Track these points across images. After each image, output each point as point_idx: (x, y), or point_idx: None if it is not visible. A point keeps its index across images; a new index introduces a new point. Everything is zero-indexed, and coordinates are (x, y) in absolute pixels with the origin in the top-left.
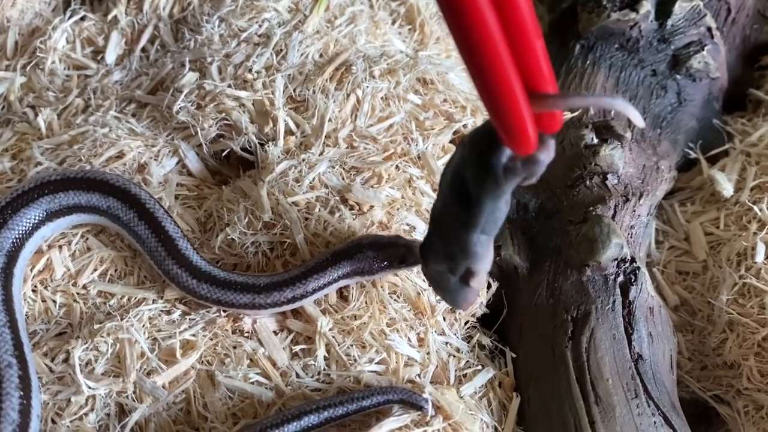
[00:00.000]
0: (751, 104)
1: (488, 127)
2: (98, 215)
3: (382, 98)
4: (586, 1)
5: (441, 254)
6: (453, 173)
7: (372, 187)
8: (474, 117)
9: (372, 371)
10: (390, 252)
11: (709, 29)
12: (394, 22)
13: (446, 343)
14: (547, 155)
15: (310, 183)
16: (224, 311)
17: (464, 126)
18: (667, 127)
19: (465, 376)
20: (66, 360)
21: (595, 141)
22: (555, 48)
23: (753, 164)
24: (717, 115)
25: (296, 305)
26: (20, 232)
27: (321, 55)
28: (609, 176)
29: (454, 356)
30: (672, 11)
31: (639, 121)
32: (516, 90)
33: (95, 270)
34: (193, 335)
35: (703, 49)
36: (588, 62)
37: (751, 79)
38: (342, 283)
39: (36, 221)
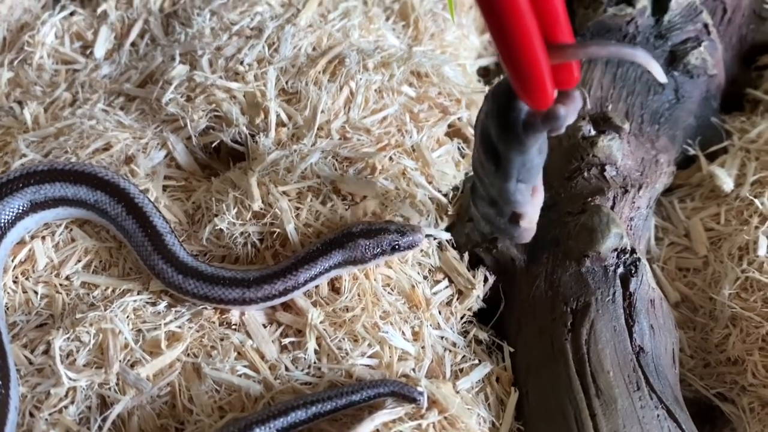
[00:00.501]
0: (749, 104)
1: (506, 83)
2: (85, 209)
3: (375, 90)
4: None
5: (486, 200)
6: (481, 129)
7: (365, 177)
8: (469, 110)
9: (364, 365)
10: (381, 239)
11: (706, 26)
12: (388, 19)
13: (442, 337)
14: (567, 109)
15: (302, 173)
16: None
17: (459, 119)
18: (665, 123)
19: (461, 370)
20: (46, 351)
21: (593, 132)
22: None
23: (752, 160)
24: (715, 113)
25: (288, 298)
26: (1, 221)
27: (314, 49)
28: (607, 167)
29: (450, 351)
30: (668, 7)
31: (661, 75)
32: (534, 40)
33: (79, 261)
34: (179, 327)
35: (700, 45)
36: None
37: (749, 79)
38: (334, 273)
39: (19, 212)
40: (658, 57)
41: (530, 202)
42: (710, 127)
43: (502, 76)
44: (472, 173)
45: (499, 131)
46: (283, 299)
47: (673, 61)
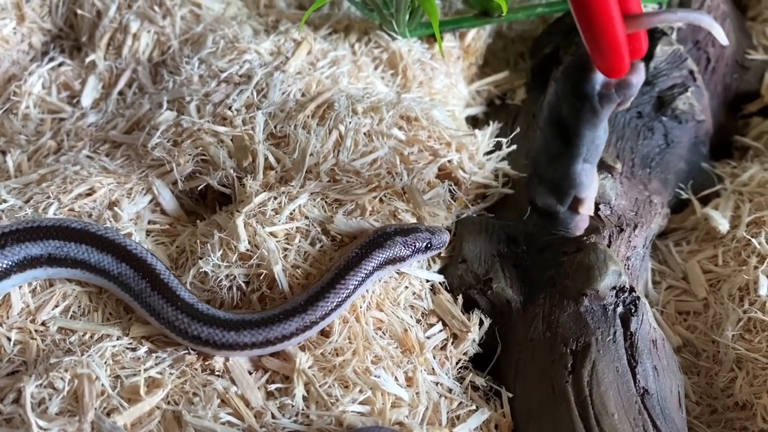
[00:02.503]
0: (738, 151)
1: (579, 60)
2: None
3: (365, 134)
4: (567, 45)
5: (548, 188)
6: (549, 109)
7: (355, 218)
8: (459, 153)
9: (356, 412)
10: (416, 236)
11: (692, 72)
12: (376, 67)
13: (437, 383)
14: (638, 78)
15: (290, 214)
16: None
17: (449, 161)
18: (656, 167)
19: (458, 417)
20: (17, 400)
21: None
22: (537, 94)
23: (746, 201)
24: (705, 158)
25: (336, 315)
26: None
27: (303, 94)
28: (601, 206)
29: (446, 397)
30: (654, 54)
31: (723, 38)
32: (614, 10)
33: (57, 306)
34: (160, 373)
35: (687, 91)
36: None
37: (735, 127)
38: (377, 275)
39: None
40: (645, 102)
41: (593, 184)
42: (701, 172)
43: (493, 124)
44: (464, 215)
45: (574, 107)
46: (328, 320)
47: (661, 106)
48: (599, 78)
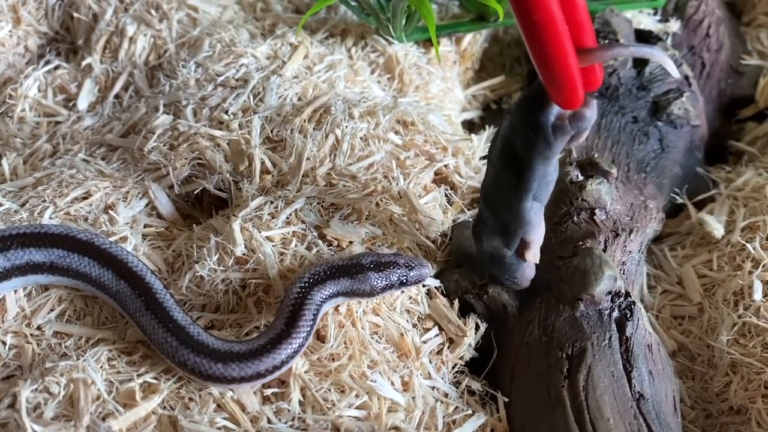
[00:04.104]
0: (732, 156)
1: (534, 91)
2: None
3: (361, 138)
4: None
5: (494, 228)
6: (503, 142)
7: (351, 222)
8: (455, 157)
9: (352, 416)
10: (391, 272)
11: (687, 77)
12: (373, 71)
13: (433, 387)
14: (592, 111)
15: (287, 218)
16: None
17: (446, 166)
18: (651, 171)
19: (454, 422)
20: (12, 404)
21: (581, 177)
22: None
23: (741, 206)
24: (700, 163)
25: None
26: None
27: (300, 98)
28: (597, 211)
29: (442, 401)
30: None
31: (675, 72)
32: (567, 45)
33: (52, 310)
34: (155, 378)
35: (682, 96)
36: None
37: (730, 132)
38: (339, 300)
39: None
40: (641, 108)
41: (540, 227)
42: (696, 177)
43: (489, 128)
44: (461, 219)
45: (528, 139)
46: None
47: (656, 111)
48: (554, 110)
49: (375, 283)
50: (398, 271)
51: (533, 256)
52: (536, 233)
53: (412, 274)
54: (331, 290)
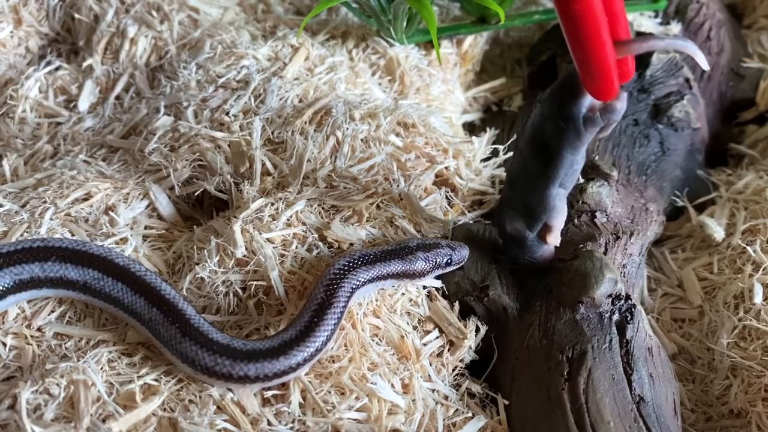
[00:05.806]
0: (733, 159)
1: (568, 81)
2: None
3: (362, 140)
4: (564, 52)
5: (519, 211)
6: (532, 129)
7: (352, 224)
8: (456, 160)
9: (352, 419)
10: (438, 252)
11: (687, 80)
12: (374, 74)
13: (433, 389)
14: (622, 104)
15: (287, 220)
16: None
17: (446, 168)
18: (652, 174)
19: (454, 424)
20: (12, 406)
21: (581, 180)
22: (534, 101)
23: (741, 210)
24: (700, 166)
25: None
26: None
27: (300, 100)
28: (597, 214)
29: (442, 404)
30: (650, 62)
31: (705, 64)
32: (605, 35)
33: (53, 312)
34: (156, 379)
35: (682, 99)
36: None
37: (730, 134)
38: (389, 283)
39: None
40: (642, 110)
41: (563, 211)
42: (697, 180)
43: (489, 131)
44: (461, 222)
45: (558, 128)
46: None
47: (657, 114)
48: (586, 101)
49: (425, 264)
50: (443, 251)
51: (555, 239)
52: (559, 218)
53: (455, 254)
54: (380, 271)
